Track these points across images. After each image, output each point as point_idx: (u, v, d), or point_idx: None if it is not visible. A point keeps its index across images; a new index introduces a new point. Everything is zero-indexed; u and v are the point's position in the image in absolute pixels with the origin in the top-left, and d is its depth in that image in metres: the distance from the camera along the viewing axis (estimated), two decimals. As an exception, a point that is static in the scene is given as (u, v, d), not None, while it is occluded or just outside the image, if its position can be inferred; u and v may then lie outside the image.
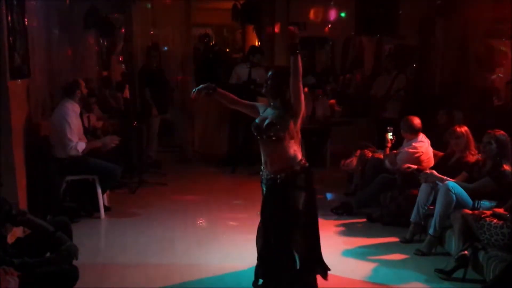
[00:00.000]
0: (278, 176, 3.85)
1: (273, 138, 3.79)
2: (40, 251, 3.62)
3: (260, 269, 4.05)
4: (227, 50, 12.80)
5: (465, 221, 4.53)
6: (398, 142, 6.15)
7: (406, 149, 5.91)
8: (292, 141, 3.82)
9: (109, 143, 6.03)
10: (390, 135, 6.14)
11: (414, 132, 5.90)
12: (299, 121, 3.81)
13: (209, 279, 4.38)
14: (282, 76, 3.84)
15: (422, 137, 5.92)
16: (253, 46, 9.11)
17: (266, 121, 3.81)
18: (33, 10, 5.77)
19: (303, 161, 3.87)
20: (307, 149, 6.21)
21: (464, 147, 5.36)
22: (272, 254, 3.97)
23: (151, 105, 8.03)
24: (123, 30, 8.83)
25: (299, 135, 3.88)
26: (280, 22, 9.02)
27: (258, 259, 4.06)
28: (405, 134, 5.97)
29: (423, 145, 5.89)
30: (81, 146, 5.77)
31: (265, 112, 3.94)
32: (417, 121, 5.90)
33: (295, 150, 3.84)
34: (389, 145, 6.13)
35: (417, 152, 5.85)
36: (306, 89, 5.68)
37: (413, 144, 5.89)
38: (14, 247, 3.58)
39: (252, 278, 4.06)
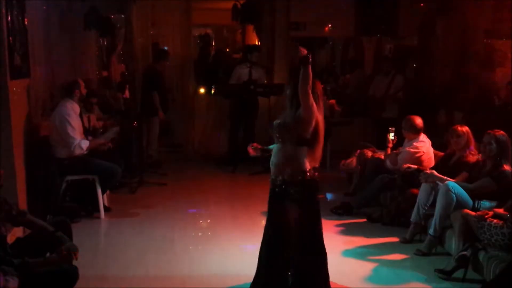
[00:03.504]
0: (274, 177, 3.85)
1: (279, 140, 3.80)
2: (40, 251, 3.62)
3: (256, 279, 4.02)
4: (227, 50, 12.80)
5: (465, 221, 4.53)
6: (398, 142, 6.15)
7: (407, 149, 5.91)
8: (300, 148, 3.75)
9: (111, 136, 6.07)
10: (391, 135, 6.14)
11: (416, 131, 5.90)
12: (310, 127, 3.73)
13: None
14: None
15: (423, 137, 5.92)
16: (249, 45, 9.11)
17: (275, 121, 3.84)
18: (33, 10, 5.76)
19: (310, 173, 3.78)
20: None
21: (464, 146, 5.36)
22: (264, 264, 3.95)
23: (158, 108, 8.05)
24: (123, 30, 8.83)
25: (316, 145, 3.79)
26: (280, 22, 9.03)
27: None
28: (407, 133, 5.97)
29: (424, 145, 5.89)
30: (85, 143, 5.78)
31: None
32: (418, 120, 5.90)
33: (301, 158, 3.75)
34: (390, 145, 6.13)
35: (418, 152, 5.85)
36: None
37: (414, 144, 5.89)
38: (14, 247, 3.58)
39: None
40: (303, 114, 3.72)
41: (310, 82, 3.67)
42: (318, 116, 3.78)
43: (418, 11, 8.79)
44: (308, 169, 3.77)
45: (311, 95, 3.70)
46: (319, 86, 3.86)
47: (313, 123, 3.75)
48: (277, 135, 3.81)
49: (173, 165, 8.54)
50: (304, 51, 3.65)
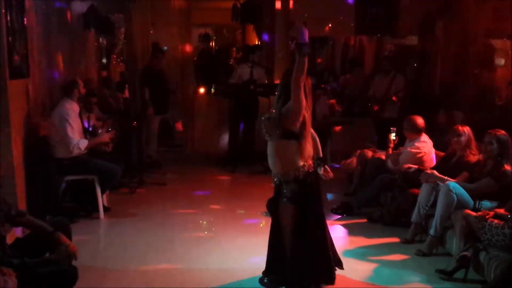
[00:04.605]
0: (275, 178, 3.83)
1: (266, 134, 3.78)
2: (39, 251, 3.61)
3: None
4: (227, 50, 12.80)
5: (466, 221, 4.52)
6: (399, 142, 6.14)
7: (408, 149, 5.90)
8: (288, 143, 3.71)
9: (107, 138, 6.11)
10: (393, 136, 6.13)
11: (417, 131, 5.89)
12: (297, 121, 3.67)
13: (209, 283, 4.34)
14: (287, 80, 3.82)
15: (424, 137, 5.91)
16: (251, 45, 9.09)
17: (263, 116, 3.84)
18: (32, 10, 5.75)
19: (305, 168, 3.74)
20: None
21: (464, 146, 5.34)
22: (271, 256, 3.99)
23: (148, 105, 8.05)
24: (123, 30, 8.83)
25: (302, 141, 3.73)
26: (280, 22, 9.03)
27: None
28: (408, 133, 5.95)
29: (425, 145, 5.88)
30: (83, 144, 5.78)
31: None
32: (420, 120, 5.89)
33: (292, 154, 3.71)
34: (392, 145, 6.12)
35: (420, 152, 5.84)
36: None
37: (416, 144, 5.88)
38: (13, 247, 3.57)
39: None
40: (292, 106, 3.65)
41: (305, 73, 3.58)
42: (305, 113, 3.73)
43: (418, 11, 8.78)
44: (301, 166, 3.73)
45: (302, 89, 3.63)
46: (309, 83, 3.82)
47: (300, 119, 3.69)
48: (264, 130, 3.78)
49: (173, 165, 8.53)
50: (306, 37, 3.55)
